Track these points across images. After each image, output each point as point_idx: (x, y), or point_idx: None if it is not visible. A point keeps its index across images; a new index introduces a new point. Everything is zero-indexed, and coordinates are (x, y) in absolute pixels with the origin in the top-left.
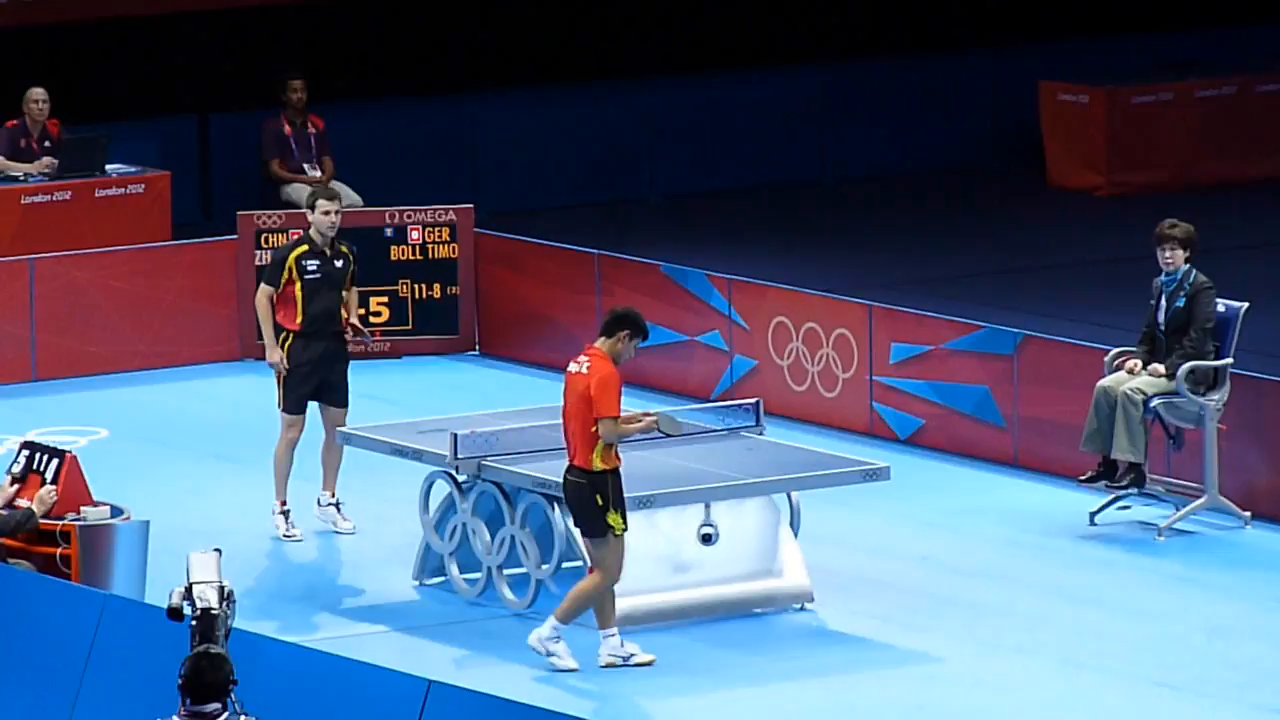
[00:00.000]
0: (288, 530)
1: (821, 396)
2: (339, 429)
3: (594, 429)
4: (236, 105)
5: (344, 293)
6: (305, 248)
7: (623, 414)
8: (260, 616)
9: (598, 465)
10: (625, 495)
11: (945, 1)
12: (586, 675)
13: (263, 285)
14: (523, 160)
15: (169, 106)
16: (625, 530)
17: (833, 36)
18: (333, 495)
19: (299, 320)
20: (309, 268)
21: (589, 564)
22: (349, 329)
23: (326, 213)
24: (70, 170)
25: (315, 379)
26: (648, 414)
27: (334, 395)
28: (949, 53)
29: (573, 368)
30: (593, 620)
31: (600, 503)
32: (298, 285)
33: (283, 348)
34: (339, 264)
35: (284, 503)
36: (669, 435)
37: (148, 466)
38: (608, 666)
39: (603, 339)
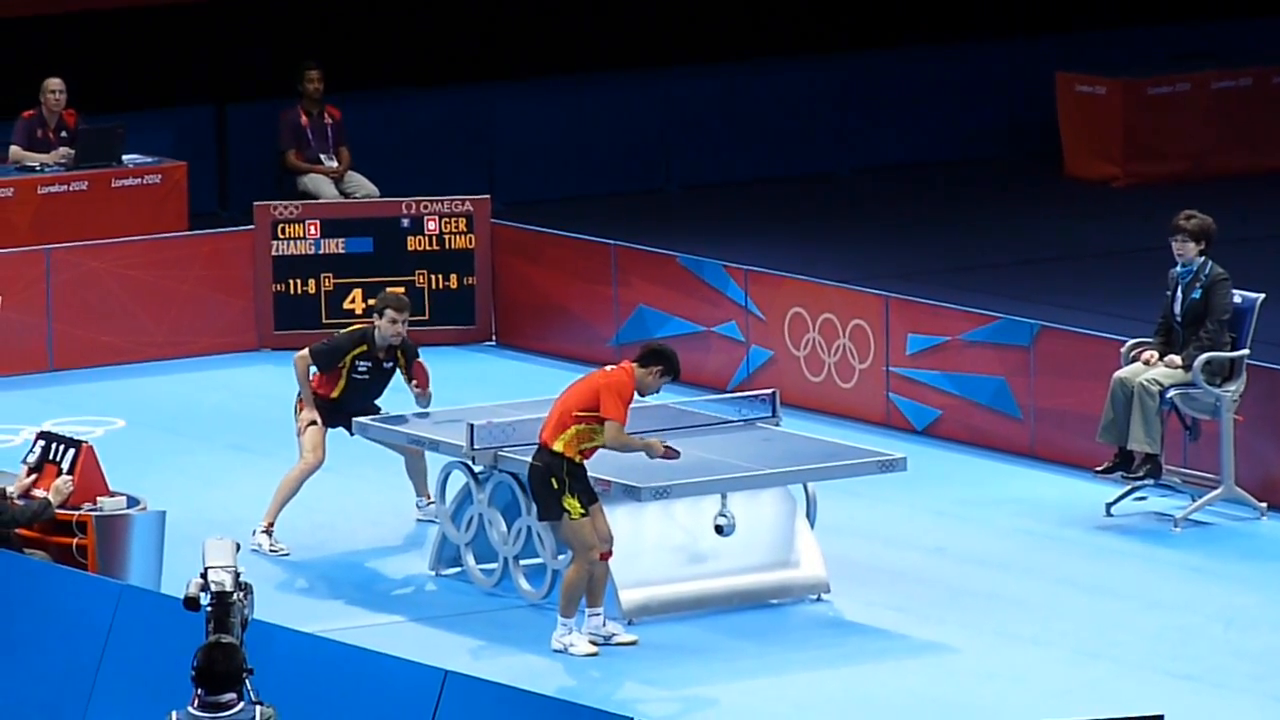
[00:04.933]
0: (273, 546)
1: (838, 387)
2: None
3: (574, 415)
4: (253, 95)
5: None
6: (364, 348)
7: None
8: (276, 606)
9: (558, 448)
10: (643, 485)
11: None
12: (601, 665)
13: (308, 355)
14: (539, 150)
15: (185, 97)
16: (583, 515)
17: (850, 27)
18: (429, 499)
19: (333, 396)
20: (360, 368)
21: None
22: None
23: (394, 321)
24: (87, 160)
25: (340, 418)
26: (667, 444)
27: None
28: (966, 44)
29: (606, 368)
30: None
31: (555, 485)
32: (343, 377)
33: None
34: (388, 365)
35: (272, 524)
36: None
37: (164, 457)
38: (560, 650)
39: (636, 364)
